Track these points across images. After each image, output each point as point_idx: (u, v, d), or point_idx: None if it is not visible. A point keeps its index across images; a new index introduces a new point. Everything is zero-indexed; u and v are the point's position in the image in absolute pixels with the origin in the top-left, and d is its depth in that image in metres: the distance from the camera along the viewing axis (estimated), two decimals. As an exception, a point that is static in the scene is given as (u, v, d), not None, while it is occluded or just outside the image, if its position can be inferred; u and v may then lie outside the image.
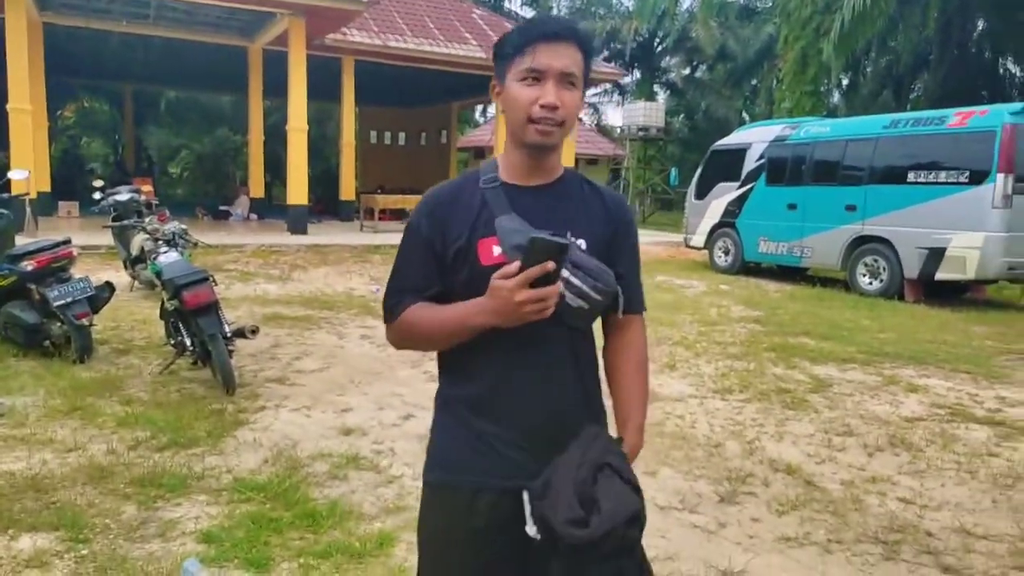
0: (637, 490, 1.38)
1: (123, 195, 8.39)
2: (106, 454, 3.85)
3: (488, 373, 1.46)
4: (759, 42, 29.71)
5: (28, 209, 11.50)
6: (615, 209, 1.56)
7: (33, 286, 5.62)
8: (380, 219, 16.86)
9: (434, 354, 1.58)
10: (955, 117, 9.89)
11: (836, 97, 28.37)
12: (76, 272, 5.97)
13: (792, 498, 3.67)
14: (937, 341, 7.50)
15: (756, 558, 3.08)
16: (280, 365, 5.78)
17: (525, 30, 1.43)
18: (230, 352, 5.09)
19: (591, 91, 33.38)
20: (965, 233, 9.44)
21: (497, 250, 1.41)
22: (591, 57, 1.46)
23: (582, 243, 1.43)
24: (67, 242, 5.92)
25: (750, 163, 12.60)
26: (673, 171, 23.99)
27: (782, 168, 12.05)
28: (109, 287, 5.93)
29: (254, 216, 18.86)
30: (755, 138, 12.85)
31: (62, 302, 5.42)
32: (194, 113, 32.06)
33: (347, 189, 18.94)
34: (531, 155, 1.47)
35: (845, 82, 27.03)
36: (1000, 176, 9.16)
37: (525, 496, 1.42)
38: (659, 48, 33.60)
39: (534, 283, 1.27)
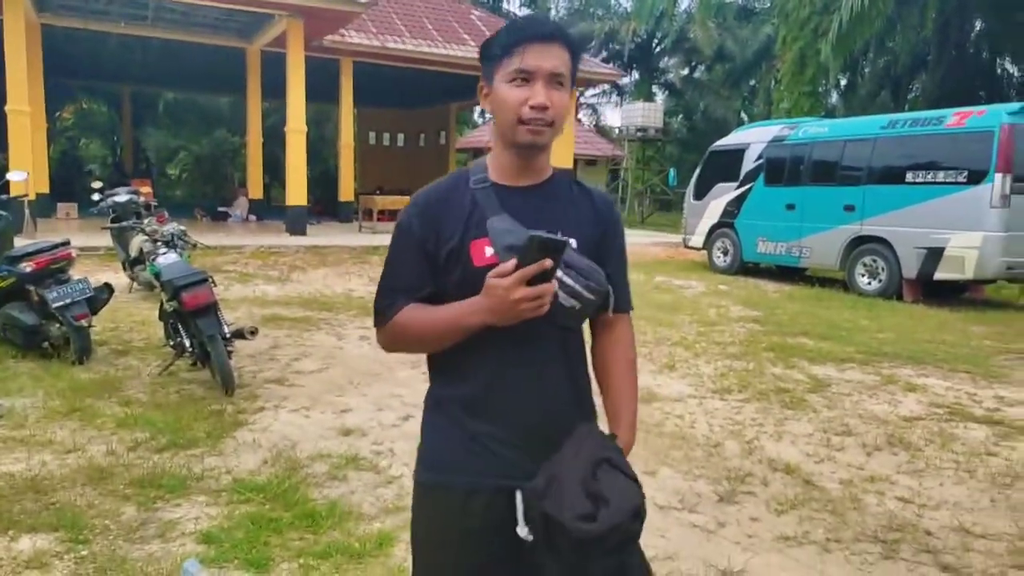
0: (637, 484, 1.40)
1: (122, 196, 8.40)
2: (105, 455, 3.85)
3: (482, 373, 1.46)
4: (757, 43, 29.75)
5: (27, 211, 11.47)
6: (603, 209, 1.57)
7: (32, 287, 5.62)
8: (379, 220, 16.86)
9: None
10: (953, 117, 9.91)
11: (834, 98, 28.41)
12: (75, 273, 5.97)
13: (791, 497, 3.68)
14: (935, 341, 7.51)
15: (755, 557, 3.09)
16: (279, 366, 5.78)
17: (512, 31, 1.43)
18: (229, 353, 5.09)
19: (590, 92, 33.52)
20: (963, 233, 9.45)
21: (489, 251, 1.41)
22: (578, 57, 1.47)
23: (573, 243, 1.43)
24: (66, 243, 5.92)
25: (748, 163, 12.62)
26: (672, 171, 24.00)
27: (780, 168, 12.06)
28: (108, 288, 5.93)
29: (253, 217, 18.85)
30: (753, 138, 12.87)
31: (61, 303, 5.42)
32: (192, 114, 32.08)
33: (346, 190, 18.94)
34: (521, 156, 1.47)
35: (843, 83, 27.06)
36: (998, 176, 9.17)
37: (518, 496, 1.43)
38: (657, 49, 33.63)
39: (530, 281, 1.27)
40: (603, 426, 1.54)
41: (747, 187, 12.65)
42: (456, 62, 17.38)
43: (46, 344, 5.64)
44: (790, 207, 11.79)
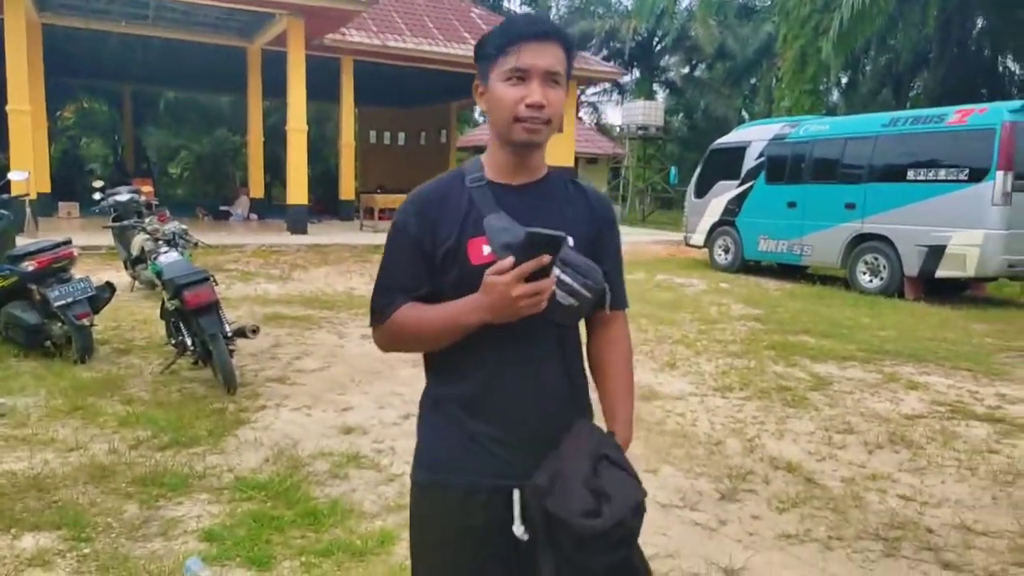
0: (638, 480, 1.40)
1: (123, 196, 8.41)
2: (108, 453, 3.85)
3: (481, 372, 1.46)
4: (758, 41, 29.73)
5: (28, 210, 11.50)
6: (599, 208, 1.58)
7: (34, 286, 5.63)
8: (380, 219, 16.87)
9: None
10: (955, 115, 9.89)
11: (835, 95, 28.39)
12: (77, 272, 5.98)
13: (792, 495, 3.68)
14: (937, 339, 7.50)
15: (757, 555, 3.09)
16: (281, 364, 5.79)
17: (508, 30, 1.42)
18: (231, 352, 5.09)
19: (590, 90, 33.50)
20: (965, 231, 9.44)
21: (487, 249, 1.41)
22: (573, 55, 1.47)
23: (570, 241, 1.43)
24: (67, 243, 5.93)
25: (749, 161, 12.61)
26: (672, 170, 24.01)
27: (782, 166, 12.05)
28: (110, 287, 5.94)
29: (254, 216, 18.86)
30: (754, 136, 12.86)
31: (63, 302, 5.43)
32: (193, 114, 32.10)
33: (347, 189, 18.95)
34: (517, 154, 1.47)
35: (844, 80, 27.04)
36: (1000, 174, 9.16)
37: (516, 495, 1.43)
38: (658, 47, 33.61)
39: (528, 278, 1.27)
40: (598, 423, 1.55)
41: (748, 185, 12.64)
42: (457, 60, 17.37)
43: (48, 343, 5.64)
44: (791, 205, 11.78)
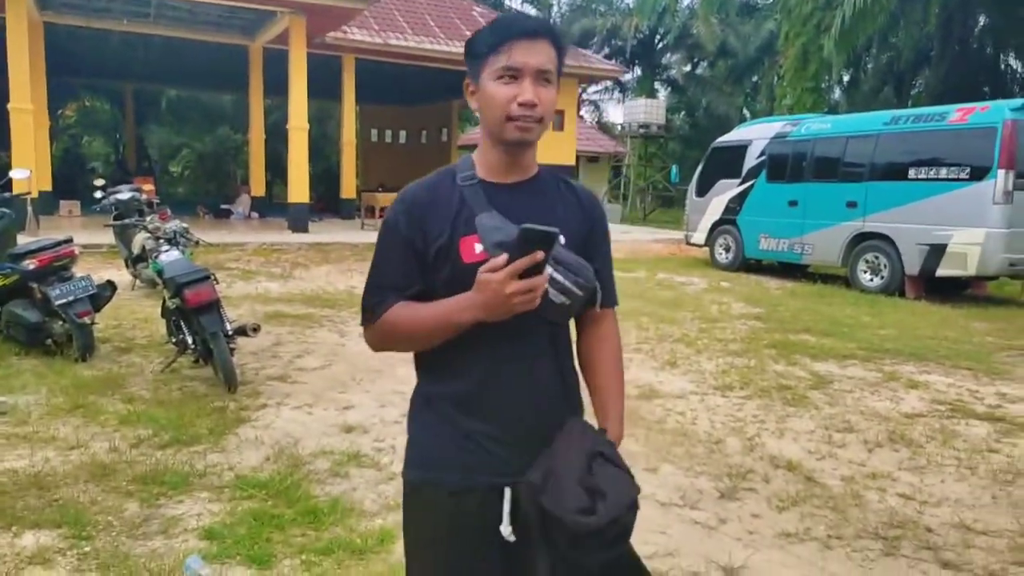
0: (631, 476, 1.41)
1: (124, 194, 8.41)
2: (108, 452, 3.86)
3: (475, 370, 1.45)
4: (760, 39, 29.71)
5: (30, 208, 11.52)
6: (589, 206, 1.58)
7: (35, 285, 5.64)
8: (381, 217, 16.85)
9: None
10: (956, 113, 9.88)
11: (837, 93, 28.35)
12: (78, 271, 5.98)
13: (792, 494, 3.68)
14: (938, 337, 7.50)
15: (756, 554, 3.09)
16: (282, 363, 5.80)
17: (499, 28, 1.42)
18: (231, 350, 5.10)
19: (592, 88, 33.47)
20: (966, 229, 9.43)
21: (479, 248, 1.41)
22: (564, 53, 1.47)
23: (561, 239, 1.43)
24: (69, 241, 5.94)
25: (751, 160, 12.60)
26: (674, 168, 23.96)
27: (783, 165, 12.04)
28: (111, 286, 5.94)
29: (255, 214, 18.88)
30: (756, 135, 12.85)
31: (64, 301, 5.44)
32: (195, 112, 32.12)
33: (348, 187, 18.97)
34: (508, 152, 1.47)
35: (846, 78, 27.01)
36: (1001, 172, 9.15)
37: (507, 493, 1.43)
38: (660, 45, 33.57)
39: (521, 275, 1.27)
40: (589, 420, 1.55)
41: (749, 184, 12.64)
42: (458, 59, 17.19)
43: (49, 341, 5.65)
44: (792, 203, 11.78)
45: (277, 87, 16.64)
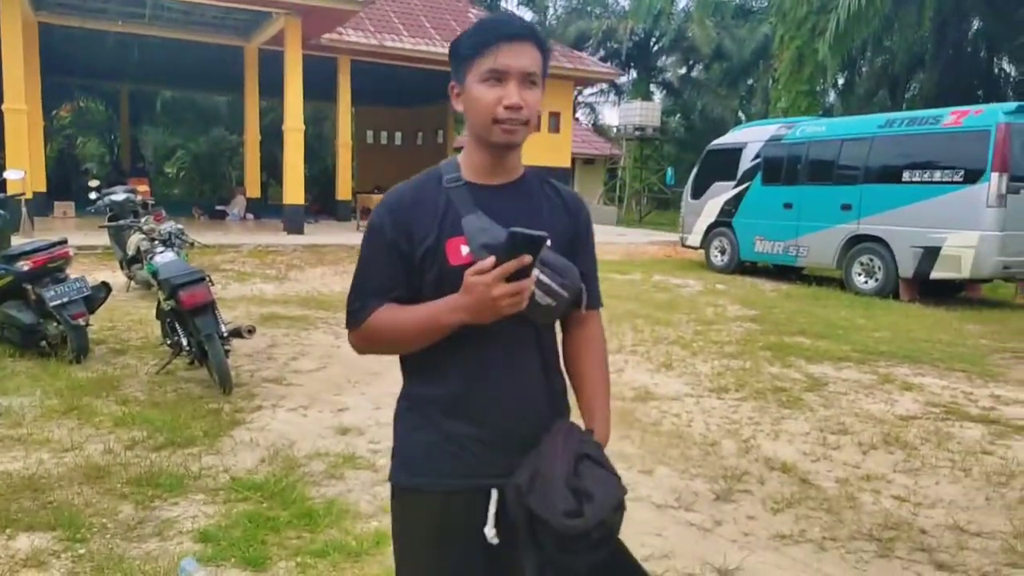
0: (618, 478, 1.41)
1: (119, 195, 8.40)
2: (103, 454, 3.85)
3: (461, 372, 1.45)
4: (755, 42, 29.82)
5: (24, 209, 11.47)
6: (574, 208, 1.58)
7: (29, 286, 5.61)
8: (375, 219, 16.86)
9: None
10: (950, 116, 9.92)
11: (832, 97, 28.48)
12: (72, 272, 5.96)
13: (787, 496, 3.69)
14: (932, 340, 7.53)
15: (751, 555, 3.10)
16: (277, 365, 5.79)
17: (484, 30, 1.42)
18: (227, 352, 5.09)
19: (587, 91, 33.50)
20: (960, 232, 9.47)
21: (465, 250, 1.40)
22: (548, 54, 1.47)
23: (547, 241, 1.43)
24: (63, 242, 5.92)
25: (746, 163, 12.63)
26: (669, 170, 24.06)
27: (778, 167, 12.08)
28: (105, 287, 5.93)
29: (250, 216, 18.84)
30: (751, 138, 12.88)
31: (58, 302, 5.42)
32: (190, 113, 32.06)
33: (343, 189, 18.94)
34: (494, 154, 1.47)
35: (841, 81, 27.12)
36: (994, 175, 9.19)
37: (493, 495, 1.43)
38: (655, 48, 33.64)
39: (508, 278, 1.27)
40: (576, 421, 1.56)
41: (744, 186, 12.67)
42: (454, 61, 17.36)
43: (43, 343, 5.63)
44: (787, 206, 11.81)
45: (272, 88, 16.61)
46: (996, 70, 24.05)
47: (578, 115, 32.50)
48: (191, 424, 4.33)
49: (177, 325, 5.31)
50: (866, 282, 10.63)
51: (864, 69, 26.30)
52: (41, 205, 14.70)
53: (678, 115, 36.94)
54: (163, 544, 3.00)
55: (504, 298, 1.28)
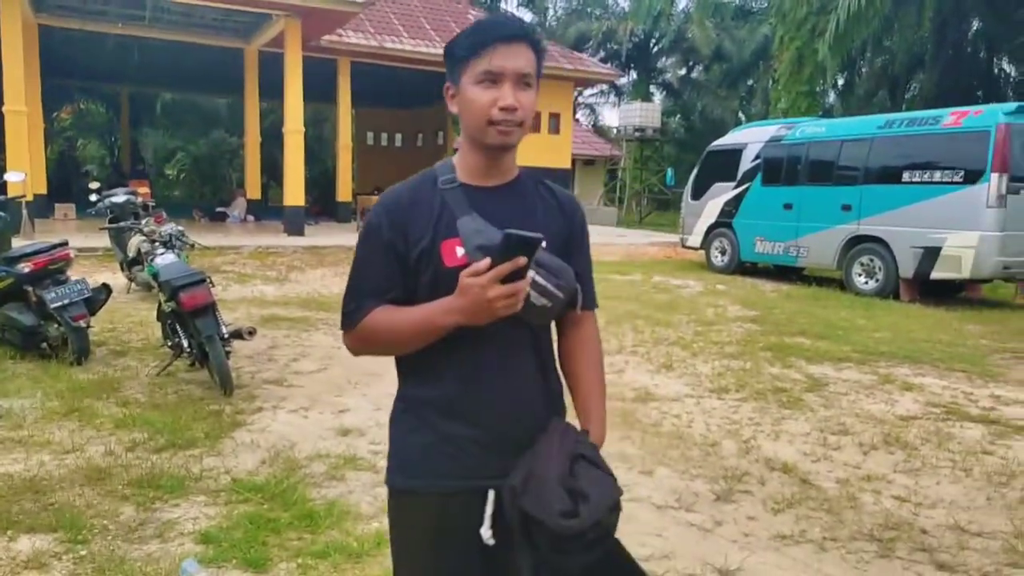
0: (613, 478, 1.41)
1: (119, 197, 8.41)
2: (104, 455, 3.85)
3: (457, 374, 1.45)
4: (755, 43, 29.81)
5: (24, 211, 11.48)
6: (569, 209, 1.58)
7: (30, 288, 5.62)
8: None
9: None
10: (950, 117, 9.92)
11: (832, 97, 28.48)
12: (73, 274, 5.97)
13: (788, 496, 3.69)
14: (932, 340, 7.53)
15: (752, 556, 3.10)
16: (278, 366, 5.79)
17: (479, 32, 1.42)
18: (227, 354, 5.09)
19: (587, 92, 33.52)
20: (960, 232, 9.47)
21: (460, 251, 1.41)
22: (543, 56, 1.47)
23: (543, 242, 1.44)
24: (64, 244, 5.92)
25: (746, 163, 12.64)
26: (669, 171, 24.05)
27: (778, 168, 12.08)
28: (106, 289, 5.93)
29: (251, 218, 18.86)
30: (751, 138, 12.89)
31: (59, 304, 5.43)
32: (190, 115, 32.08)
33: (344, 190, 18.95)
34: (489, 156, 1.47)
35: (841, 82, 27.12)
36: (994, 175, 9.19)
37: (490, 496, 1.43)
38: (655, 49, 33.65)
39: (503, 279, 1.27)
40: (572, 421, 1.56)
41: (745, 187, 12.67)
42: (454, 62, 17.37)
43: (44, 345, 5.64)
44: (787, 207, 11.81)
45: (273, 90, 16.63)
46: (996, 70, 24.05)
47: (578, 116, 32.52)
48: (192, 426, 4.33)
49: (178, 327, 5.31)
50: (866, 282, 10.64)
51: (864, 70, 26.30)
52: (42, 207, 14.72)
53: (678, 116, 36.95)
54: (164, 545, 3.00)
55: (499, 300, 1.28)
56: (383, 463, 4.04)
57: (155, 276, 5.48)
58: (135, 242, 7.67)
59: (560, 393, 1.59)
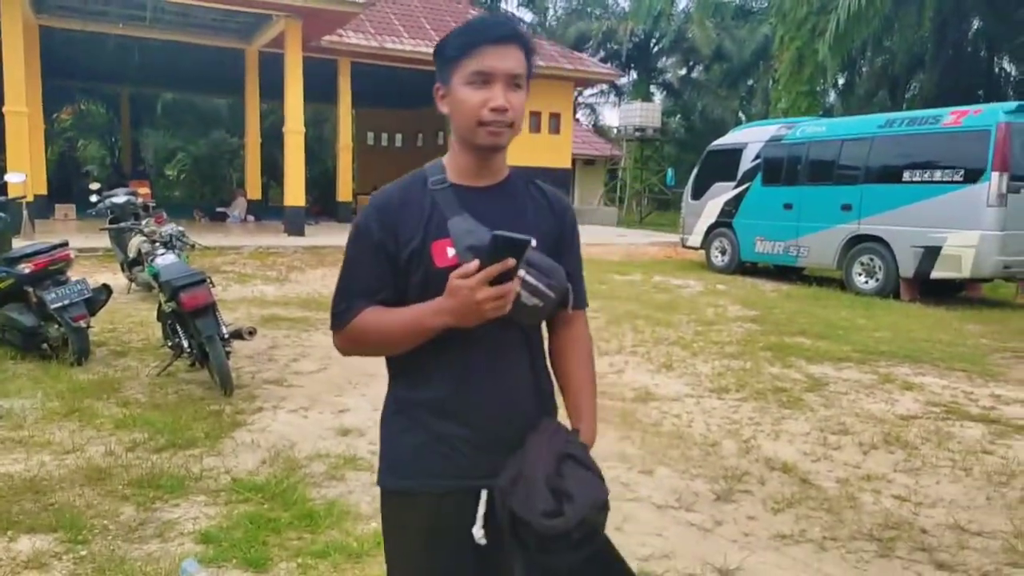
0: (601, 478, 1.41)
1: (120, 198, 8.41)
2: (104, 456, 3.85)
3: (448, 374, 1.45)
4: (755, 43, 29.81)
5: (25, 212, 11.48)
6: (560, 209, 1.58)
7: (31, 289, 5.62)
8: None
9: None
10: (950, 116, 9.92)
11: (832, 97, 28.48)
12: (73, 274, 5.97)
13: (788, 496, 3.69)
14: (932, 339, 7.53)
15: (752, 555, 3.10)
16: (278, 366, 5.79)
17: (469, 32, 1.42)
18: (227, 354, 5.09)
19: (588, 92, 33.52)
20: (960, 232, 9.47)
21: (451, 252, 1.40)
22: (533, 57, 1.47)
23: (532, 242, 1.42)
24: (64, 245, 5.93)
25: (746, 163, 12.64)
26: (669, 171, 24.05)
27: (778, 168, 12.08)
28: (106, 289, 5.94)
29: (251, 218, 18.87)
30: (751, 138, 12.89)
31: (59, 304, 5.43)
32: (191, 115, 32.11)
33: (344, 190, 18.95)
34: (480, 156, 1.47)
35: (841, 82, 27.13)
36: (995, 175, 9.19)
37: (483, 496, 1.44)
38: (655, 49, 33.66)
39: (492, 280, 1.27)
40: (563, 421, 1.56)
41: (745, 187, 12.67)
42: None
43: (45, 345, 5.64)
44: (787, 206, 11.81)
45: (273, 91, 16.63)
46: (996, 70, 24.07)
47: (578, 116, 32.52)
48: (192, 426, 4.33)
49: (178, 327, 5.32)
50: (866, 282, 10.63)
51: (864, 69, 26.31)
52: (42, 208, 14.72)
53: (678, 116, 36.95)
54: (164, 545, 3.01)
55: (488, 302, 1.28)
56: (383, 463, 4.01)
57: (155, 276, 5.49)
58: (135, 242, 7.68)
59: (551, 393, 1.59)
